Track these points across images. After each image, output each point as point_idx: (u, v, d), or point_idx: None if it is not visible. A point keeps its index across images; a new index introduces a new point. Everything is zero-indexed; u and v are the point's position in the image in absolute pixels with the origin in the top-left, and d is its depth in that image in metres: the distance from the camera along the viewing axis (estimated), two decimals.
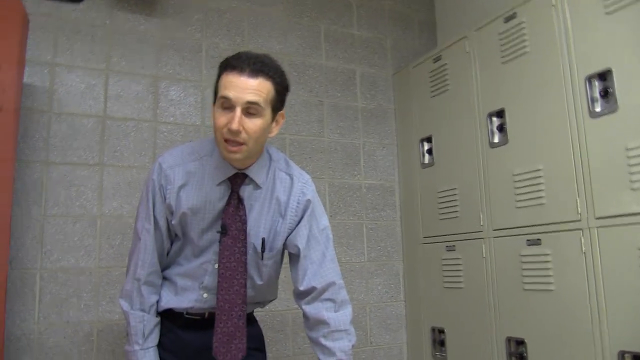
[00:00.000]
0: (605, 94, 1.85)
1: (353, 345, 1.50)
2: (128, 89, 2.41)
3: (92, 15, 2.38)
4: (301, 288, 1.51)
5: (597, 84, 1.89)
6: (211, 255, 1.47)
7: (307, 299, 1.52)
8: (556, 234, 1.98)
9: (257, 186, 1.49)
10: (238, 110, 1.32)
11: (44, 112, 2.22)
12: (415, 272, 2.83)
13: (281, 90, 1.41)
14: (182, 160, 1.49)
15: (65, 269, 2.17)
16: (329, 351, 1.47)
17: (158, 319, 1.48)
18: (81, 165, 2.25)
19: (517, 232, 2.15)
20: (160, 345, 1.49)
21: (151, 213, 1.47)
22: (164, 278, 1.53)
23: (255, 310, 1.66)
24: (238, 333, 1.45)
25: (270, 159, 1.55)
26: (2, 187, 1.71)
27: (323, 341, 1.48)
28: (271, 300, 1.69)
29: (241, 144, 1.35)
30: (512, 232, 2.18)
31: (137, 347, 1.42)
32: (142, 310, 1.45)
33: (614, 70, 1.81)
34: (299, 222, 1.53)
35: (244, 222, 1.45)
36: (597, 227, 1.83)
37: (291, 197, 1.52)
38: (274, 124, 1.44)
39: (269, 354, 1.69)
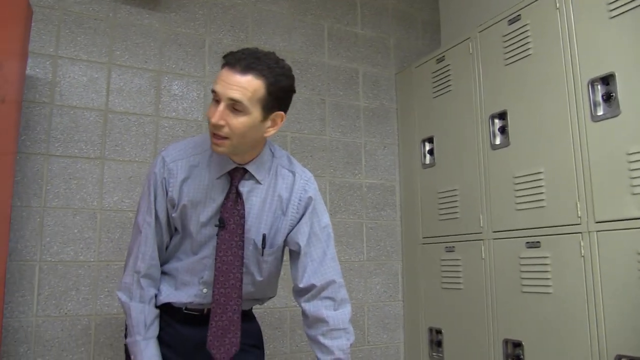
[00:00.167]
0: (608, 98, 1.85)
1: (351, 344, 1.51)
2: (130, 83, 2.41)
3: (96, 8, 2.38)
4: (301, 285, 1.52)
5: (599, 88, 1.88)
6: (211, 250, 1.47)
7: (306, 296, 1.53)
8: (556, 237, 1.98)
9: (257, 182, 1.49)
10: (221, 105, 1.33)
11: (46, 105, 2.22)
12: (414, 272, 2.83)
13: (275, 91, 1.35)
14: (186, 153, 1.50)
15: (65, 262, 2.17)
16: (327, 349, 1.47)
17: (158, 311, 1.48)
18: (82, 158, 2.25)
19: (517, 234, 2.15)
20: (160, 340, 1.49)
21: (152, 207, 1.47)
22: (164, 272, 1.53)
23: (253, 307, 1.66)
24: (232, 327, 1.45)
25: (273, 156, 1.55)
26: (3, 179, 1.70)
27: (321, 339, 1.48)
28: (270, 298, 1.68)
29: (224, 137, 1.35)
30: (512, 235, 2.18)
31: (139, 338, 1.42)
32: (142, 302, 1.45)
33: (617, 74, 1.81)
34: (300, 219, 1.53)
35: (242, 217, 1.45)
36: (597, 231, 1.83)
37: (293, 194, 1.52)
38: (268, 123, 1.40)
39: (266, 351, 1.69)
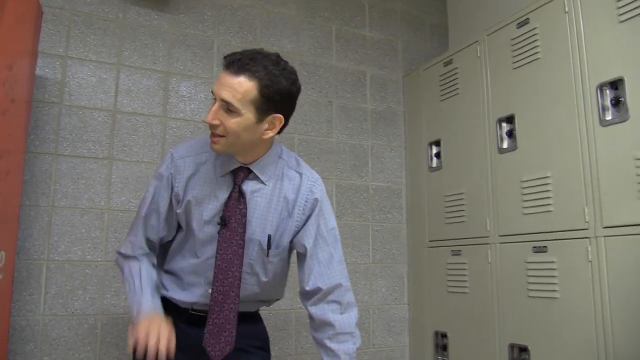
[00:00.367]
0: (617, 102, 1.85)
1: (358, 348, 1.51)
2: (139, 84, 2.42)
3: (105, 9, 2.39)
4: (307, 288, 1.52)
5: (608, 93, 1.88)
6: (215, 250, 1.48)
7: (312, 300, 1.52)
8: (563, 241, 1.97)
9: (261, 182, 1.49)
10: (215, 105, 1.35)
11: (55, 104, 2.24)
12: (420, 276, 2.82)
13: (269, 93, 1.34)
14: (194, 151, 1.52)
15: (72, 261, 2.18)
16: (333, 353, 1.47)
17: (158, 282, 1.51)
18: (90, 158, 2.26)
19: (524, 238, 2.14)
20: None
21: (155, 199, 1.51)
22: (170, 272, 1.54)
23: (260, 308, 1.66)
24: (228, 326, 1.45)
25: (280, 157, 1.55)
26: (12, 178, 1.72)
27: (328, 343, 1.48)
28: (277, 300, 1.69)
29: (220, 136, 1.37)
30: (519, 239, 2.17)
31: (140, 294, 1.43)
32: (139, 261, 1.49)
33: (625, 79, 1.80)
34: (307, 220, 1.53)
35: (244, 216, 1.46)
36: (605, 236, 1.82)
37: (299, 195, 1.52)
38: (265, 125, 1.39)
39: (271, 353, 1.69)
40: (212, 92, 1.38)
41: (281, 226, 1.51)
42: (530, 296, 2.08)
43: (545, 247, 2.04)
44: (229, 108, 1.34)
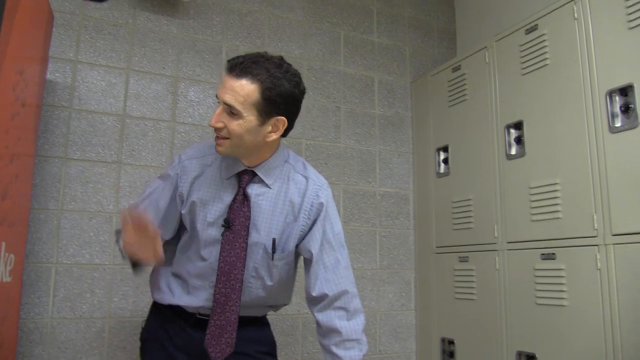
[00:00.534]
0: (626, 109, 1.83)
1: (364, 355, 1.50)
2: (148, 89, 2.43)
3: (115, 14, 2.41)
4: (313, 294, 1.51)
5: (617, 99, 1.87)
6: (219, 254, 1.48)
7: (319, 306, 1.52)
8: (571, 249, 1.96)
9: (266, 186, 1.49)
10: (219, 108, 1.38)
11: (65, 109, 2.26)
12: (427, 282, 2.81)
13: (271, 96, 1.35)
14: (201, 153, 1.55)
15: (80, 264, 2.19)
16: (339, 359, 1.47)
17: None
18: (99, 162, 2.28)
19: (532, 245, 2.13)
20: (174, 345, 1.51)
21: (154, 196, 1.53)
22: (176, 275, 1.54)
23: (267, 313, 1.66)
24: (229, 327, 1.45)
25: (287, 161, 1.55)
26: (22, 181, 1.73)
27: (334, 349, 1.48)
28: (283, 305, 1.68)
29: (225, 138, 1.39)
30: (527, 246, 2.16)
31: None
32: None
33: (635, 85, 1.79)
34: (312, 225, 1.52)
35: (248, 219, 1.46)
36: (614, 244, 1.81)
37: (305, 199, 1.51)
38: (268, 128, 1.40)
39: (278, 358, 1.68)
40: (216, 96, 1.40)
41: (286, 230, 1.51)
42: (538, 303, 2.07)
43: (553, 254, 2.03)
44: (232, 111, 1.35)
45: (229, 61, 1.38)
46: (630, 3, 1.82)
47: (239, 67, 1.36)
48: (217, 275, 1.45)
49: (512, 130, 2.32)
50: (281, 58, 1.42)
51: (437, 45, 3.26)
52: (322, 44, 2.89)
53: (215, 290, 1.45)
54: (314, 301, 1.53)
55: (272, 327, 1.69)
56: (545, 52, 2.15)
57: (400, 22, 3.16)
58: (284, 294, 1.64)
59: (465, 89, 2.63)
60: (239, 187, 1.48)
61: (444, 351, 2.62)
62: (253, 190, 1.49)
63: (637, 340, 1.70)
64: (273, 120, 1.40)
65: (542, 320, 2.05)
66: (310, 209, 1.52)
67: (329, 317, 1.50)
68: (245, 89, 1.34)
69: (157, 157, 2.39)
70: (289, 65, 1.43)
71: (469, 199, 2.53)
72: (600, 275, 1.83)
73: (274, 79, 1.36)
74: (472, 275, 2.46)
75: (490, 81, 2.45)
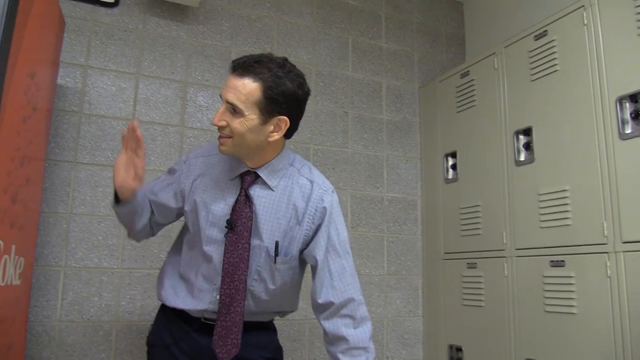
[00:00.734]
0: (636, 115, 1.83)
1: None
2: (157, 94, 2.45)
3: (126, 19, 2.43)
4: (319, 301, 1.49)
5: (627, 106, 1.86)
6: (222, 255, 1.48)
7: (325, 314, 1.50)
8: (581, 256, 1.95)
9: (268, 187, 1.49)
10: (222, 107, 1.40)
11: (75, 113, 2.27)
12: (435, 288, 2.80)
13: (272, 95, 1.36)
14: (208, 152, 1.57)
15: (89, 268, 2.20)
16: None
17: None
18: (109, 166, 2.29)
19: (541, 252, 2.12)
20: (180, 350, 1.51)
21: (156, 184, 1.61)
22: (184, 278, 1.54)
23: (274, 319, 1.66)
24: (234, 329, 1.45)
25: (292, 164, 1.54)
26: (32, 185, 1.74)
27: (341, 357, 1.46)
28: (290, 311, 1.67)
29: (228, 137, 1.41)
30: (536, 252, 2.15)
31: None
32: None
33: None
34: (317, 231, 1.51)
35: (249, 219, 1.46)
36: (624, 252, 1.79)
37: (310, 203, 1.50)
38: (271, 127, 1.41)
39: None
40: (220, 95, 1.41)
41: (289, 234, 1.49)
42: (547, 311, 2.06)
43: (562, 261, 2.01)
44: (234, 110, 1.37)
45: (233, 61, 1.40)
46: None
47: (242, 66, 1.37)
48: (222, 276, 1.45)
49: (521, 136, 2.31)
50: (285, 59, 1.43)
51: (445, 51, 3.26)
52: (330, 50, 2.90)
53: (220, 292, 1.45)
54: (319, 308, 1.51)
55: (279, 333, 1.68)
56: (555, 58, 2.14)
57: (408, 28, 3.16)
58: (290, 301, 1.63)
59: (473, 95, 2.63)
60: (242, 188, 1.49)
61: (451, 358, 2.61)
62: (255, 191, 1.49)
63: None
64: (275, 119, 1.40)
65: (551, 328, 2.03)
66: (314, 213, 1.50)
67: (336, 325, 1.48)
68: (247, 87, 1.35)
69: (166, 161, 2.40)
70: (293, 65, 1.43)
71: (478, 205, 2.52)
72: (610, 283, 1.82)
73: (276, 78, 1.36)
74: (480, 282, 2.45)
75: (499, 87, 2.45)
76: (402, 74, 3.09)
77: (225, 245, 1.46)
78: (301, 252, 1.53)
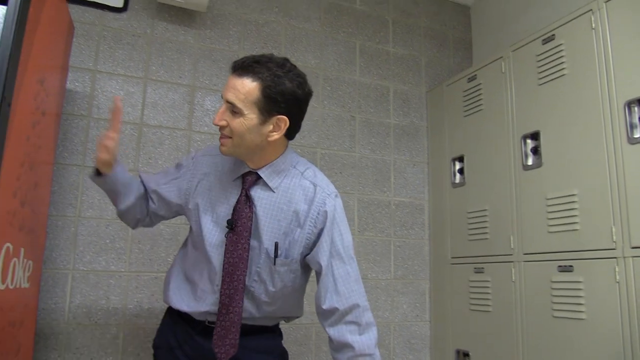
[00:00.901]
0: None
1: None
2: (165, 98, 2.46)
3: (134, 24, 2.45)
4: (323, 307, 1.47)
5: (636, 110, 1.85)
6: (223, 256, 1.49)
7: (329, 320, 1.48)
8: (589, 261, 1.93)
9: (269, 189, 1.48)
10: (222, 107, 1.40)
11: (84, 117, 2.29)
12: (442, 293, 2.79)
13: (271, 94, 1.35)
14: (215, 152, 1.57)
15: (96, 271, 2.21)
16: None
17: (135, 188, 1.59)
18: None
19: (549, 257, 2.11)
20: (184, 353, 1.52)
21: (159, 174, 1.64)
22: (189, 280, 1.55)
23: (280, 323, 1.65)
24: (233, 329, 1.44)
25: (294, 167, 1.53)
26: (41, 189, 1.76)
27: None
28: (295, 317, 1.66)
29: (227, 137, 1.41)
30: (544, 257, 2.14)
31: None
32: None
33: None
34: (319, 235, 1.49)
35: (249, 220, 1.45)
36: (633, 257, 1.78)
37: (312, 206, 1.48)
38: (270, 127, 1.40)
39: None
40: (222, 96, 1.42)
41: (290, 236, 1.48)
42: (555, 316, 2.04)
43: (571, 266, 2.00)
44: (234, 109, 1.37)
45: (233, 62, 1.41)
46: None
47: (241, 66, 1.38)
48: (222, 276, 1.45)
49: (529, 141, 2.30)
50: (285, 59, 1.43)
51: (452, 55, 3.25)
52: (338, 54, 2.91)
53: (220, 292, 1.45)
54: (324, 314, 1.49)
55: (285, 337, 1.68)
56: (563, 62, 2.14)
57: (415, 32, 3.16)
58: (293, 306, 1.61)
59: (481, 99, 2.62)
60: (243, 188, 1.49)
61: None
62: (256, 192, 1.48)
63: None
64: (274, 119, 1.39)
65: (559, 334, 2.02)
66: (316, 217, 1.48)
67: (341, 332, 1.46)
68: (246, 86, 1.36)
69: (173, 165, 2.40)
70: (293, 66, 1.43)
71: (485, 210, 2.51)
72: (619, 289, 1.81)
73: (275, 77, 1.36)
74: (487, 287, 2.44)
75: (506, 91, 2.44)
76: (410, 78, 3.09)
77: (226, 245, 1.46)
78: (305, 257, 1.51)
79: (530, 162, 2.28)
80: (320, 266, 1.48)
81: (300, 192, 1.50)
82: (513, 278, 2.28)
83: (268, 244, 1.46)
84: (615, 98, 1.91)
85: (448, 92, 2.90)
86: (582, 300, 1.94)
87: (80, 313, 2.16)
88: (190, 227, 1.60)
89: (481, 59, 3.09)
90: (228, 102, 1.37)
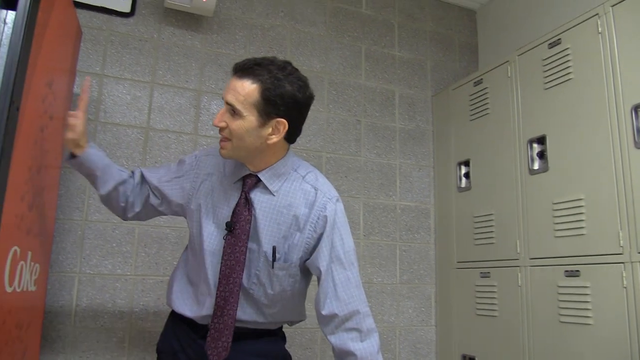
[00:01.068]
0: None
1: None
2: (171, 102, 2.47)
3: (141, 29, 2.47)
4: (323, 312, 1.45)
5: None
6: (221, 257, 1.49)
7: (329, 327, 1.46)
8: (596, 266, 1.92)
9: (269, 192, 1.48)
10: (223, 109, 1.40)
11: (91, 121, 2.30)
12: (448, 297, 2.78)
13: (270, 96, 1.35)
14: (218, 152, 1.54)
15: (103, 275, 2.22)
16: None
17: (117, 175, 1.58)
18: None
19: (555, 262, 2.10)
20: (186, 356, 1.52)
21: (159, 169, 1.63)
22: (190, 281, 1.55)
23: (284, 327, 1.65)
24: (226, 332, 1.43)
25: (295, 170, 1.52)
26: (48, 193, 1.77)
27: None
28: (299, 321, 1.65)
29: (227, 139, 1.41)
30: (550, 262, 2.13)
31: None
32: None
33: None
34: (319, 240, 1.47)
35: (248, 222, 1.45)
36: None
37: (313, 210, 1.47)
38: (269, 129, 1.39)
39: None
40: (222, 97, 1.43)
41: (290, 240, 1.47)
42: (561, 322, 2.03)
43: (577, 271, 1.99)
44: (233, 111, 1.37)
45: (235, 64, 1.41)
46: None
47: (242, 68, 1.38)
48: (219, 279, 1.45)
49: (535, 145, 2.29)
50: (287, 62, 1.42)
51: (458, 59, 3.25)
52: (343, 58, 2.91)
53: (216, 294, 1.45)
54: (323, 321, 1.47)
55: (291, 341, 1.68)
56: (569, 67, 2.13)
57: (421, 36, 3.16)
58: (293, 310, 1.60)
59: (487, 103, 2.62)
60: (242, 191, 1.48)
61: None
62: (256, 195, 1.48)
63: None
64: (273, 122, 1.39)
65: (566, 339, 2.01)
66: (317, 221, 1.47)
67: (342, 339, 1.44)
68: (246, 88, 1.36)
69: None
70: (295, 69, 1.42)
71: (491, 214, 2.51)
72: (626, 294, 1.79)
73: (274, 80, 1.36)
74: (493, 292, 2.43)
75: (512, 95, 2.44)
76: (415, 82, 3.09)
77: (224, 247, 1.46)
78: (305, 262, 1.50)
79: (536, 166, 2.28)
80: (320, 271, 1.46)
81: (300, 196, 1.48)
82: (519, 283, 2.27)
83: (267, 247, 1.46)
84: (622, 102, 1.90)
85: (454, 96, 2.90)
86: (589, 306, 1.92)
87: (86, 316, 2.17)
88: (190, 229, 1.60)
89: (487, 63, 3.08)
90: (228, 103, 1.38)
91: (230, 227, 1.45)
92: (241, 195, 1.48)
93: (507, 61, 2.50)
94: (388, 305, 2.76)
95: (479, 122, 2.67)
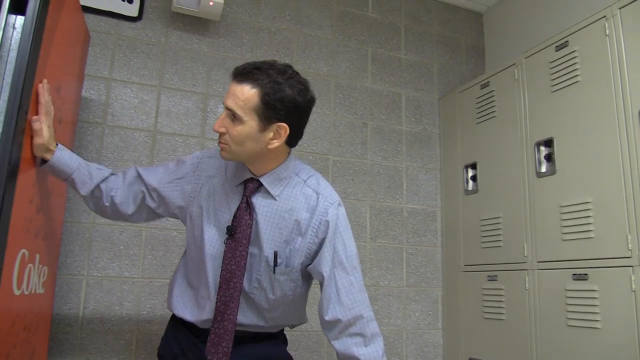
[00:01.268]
0: None
1: None
2: (179, 105, 2.48)
3: (148, 33, 2.48)
4: (326, 317, 1.45)
5: None
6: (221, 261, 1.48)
7: (333, 332, 1.46)
8: (604, 269, 1.91)
9: (271, 196, 1.47)
10: (223, 114, 1.39)
11: (99, 125, 2.32)
12: (455, 301, 2.77)
13: (270, 101, 1.34)
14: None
15: (110, 277, 2.23)
16: None
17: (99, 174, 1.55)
18: None
19: (563, 265, 2.09)
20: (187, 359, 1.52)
21: (157, 168, 1.59)
22: (191, 285, 1.55)
23: (287, 330, 1.65)
24: (226, 336, 1.42)
25: (297, 174, 1.51)
26: (57, 196, 1.78)
27: None
28: (299, 324, 1.65)
29: (226, 144, 1.40)
30: (558, 265, 2.12)
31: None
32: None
33: None
34: (321, 244, 1.46)
35: (249, 227, 1.44)
36: None
37: (315, 215, 1.46)
38: (270, 134, 1.38)
39: None
40: (222, 102, 1.41)
41: (291, 244, 1.46)
42: (569, 325, 2.02)
43: (585, 274, 1.98)
44: (234, 116, 1.36)
45: (235, 68, 1.40)
46: None
47: (242, 73, 1.37)
48: (220, 283, 1.44)
49: (542, 148, 2.28)
50: (287, 66, 1.41)
51: (465, 62, 3.25)
52: (349, 61, 2.91)
53: (216, 298, 1.44)
54: (327, 326, 1.47)
55: (297, 344, 1.68)
56: (576, 69, 2.12)
57: (428, 39, 3.16)
58: (294, 314, 1.60)
59: (493, 106, 2.61)
60: (244, 195, 1.47)
61: None
62: (257, 200, 1.47)
63: None
64: (274, 126, 1.37)
65: (574, 343, 1.99)
66: (318, 226, 1.46)
67: (346, 345, 1.44)
68: (245, 93, 1.34)
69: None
70: (296, 72, 1.41)
71: (498, 217, 2.50)
72: (635, 297, 1.78)
73: (274, 84, 1.35)
74: (501, 295, 2.42)
75: (519, 98, 2.43)
76: (422, 85, 3.09)
77: (225, 251, 1.45)
78: (306, 267, 1.50)
79: (543, 169, 2.27)
80: (323, 276, 1.45)
81: (302, 200, 1.48)
82: (527, 286, 2.26)
83: (268, 252, 1.45)
84: (629, 104, 1.89)
85: (460, 99, 2.90)
86: (597, 309, 1.91)
87: (94, 319, 2.18)
88: (188, 231, 1.58)
89: (494, 65, 3.08)
90: (228, 108, 1.36)
91: (231, 231, 1.44)
92: (242, 199, 1.47)
93: (514, 64, 2.49)
94: (395, 308, 2.75)
95: (485, 125, 2.66)
